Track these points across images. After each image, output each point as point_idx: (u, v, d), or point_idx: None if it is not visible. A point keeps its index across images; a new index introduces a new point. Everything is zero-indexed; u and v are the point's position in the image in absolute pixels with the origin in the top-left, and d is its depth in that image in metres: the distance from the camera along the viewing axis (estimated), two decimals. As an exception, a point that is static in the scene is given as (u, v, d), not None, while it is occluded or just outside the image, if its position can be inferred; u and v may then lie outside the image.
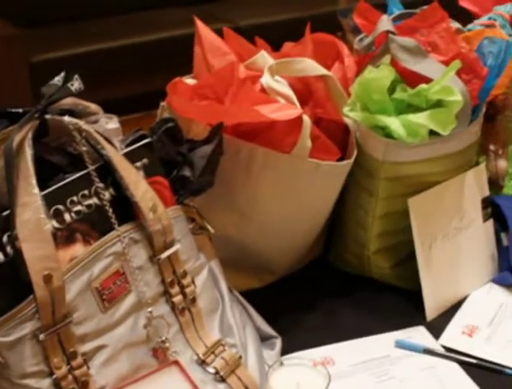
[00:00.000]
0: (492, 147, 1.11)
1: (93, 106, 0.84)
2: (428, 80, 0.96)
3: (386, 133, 0.97)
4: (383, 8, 1.09)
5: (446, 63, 0.97)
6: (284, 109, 0.90)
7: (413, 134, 0.95)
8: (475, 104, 1.01)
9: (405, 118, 0.95)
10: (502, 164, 1.11)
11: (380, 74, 0.94)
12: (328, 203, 1.01)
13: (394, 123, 0.95)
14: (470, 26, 1.17)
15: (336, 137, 1.01)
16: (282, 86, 0.96)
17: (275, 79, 0.97)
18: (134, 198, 0.80)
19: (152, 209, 0.80)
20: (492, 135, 1.11)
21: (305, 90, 0.99)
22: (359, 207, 1.03)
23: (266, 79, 0.95)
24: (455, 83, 0.95)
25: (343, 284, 1.08)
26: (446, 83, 0.94)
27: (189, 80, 1.04)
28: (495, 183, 1.11)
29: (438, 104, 0.95)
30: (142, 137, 0.85)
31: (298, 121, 0.91)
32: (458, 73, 0.99)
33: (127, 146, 0.84)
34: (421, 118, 0.93)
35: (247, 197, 0.95)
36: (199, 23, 1.04)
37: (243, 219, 0.97)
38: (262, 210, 0.97)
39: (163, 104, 0.97)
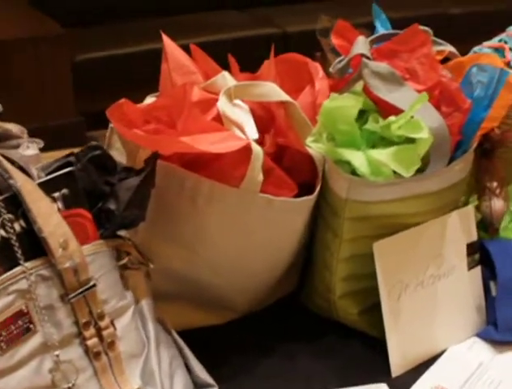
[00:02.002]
0: (488, 185, 0.99)
1: (15, 129, 0.79)
2: (401, 112, 0.86)
3: (353, 168, 0.88)
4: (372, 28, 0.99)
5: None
6: (228, 139, 0.82)
7: (377, 173, 0.85)
8: (459, 140, 0.91)
9: (370, 154, 0.85)
10: (499, 204, 0.99)
11: (344, 103, 0.85)
12: (289, 242, 0.93)
13: (358, 159, 0.85)
14: (476, 48, 1.06)
15: (303, 169, 0.93)
16: (239, 111, 0.88)
17: (233, 104, 0.89)
18: (42, 234, 0.74)
19: (63, 245, 0.74)
20: (489, 172, 0.99)
21: (266, 116, 0.91)
22: (325, 248, 0.94)
23: (220, 104, 0.87)
24: (430, 117, 0.85)
25: (309, 327, 0.99)
26: (417, 117, 0.84)
27: (152, 99, 0.97)
28: (490, 225, 0.99)
29: (410, 139, 0.86)
30: (68, 164, 0.80)
31: (248, 152, 0.84)
32: (438, 105, 0.89)
33: (49, 174, 0.79)
34: (383, 156, 0.83)
35: (193, 230, 0.88)
36: (166, 39, 0.97)
37: (191, 254, 0.90)
38: (210, 245, 0.89)
39: (112, 125, 0.91)
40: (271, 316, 1.01)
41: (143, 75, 2.70)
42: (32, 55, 2.44)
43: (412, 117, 0.84)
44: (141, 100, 0.99)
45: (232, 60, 0.98)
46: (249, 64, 1.03)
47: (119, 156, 0.92)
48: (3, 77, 2.44)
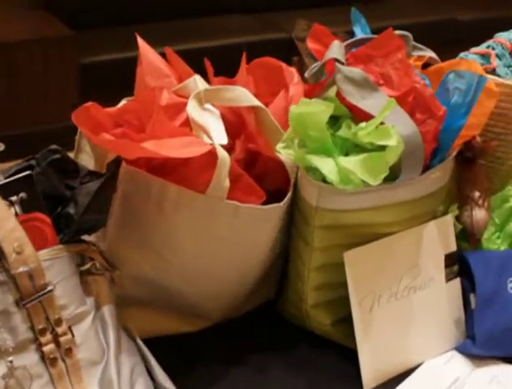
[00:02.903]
0: (470, 195, 0.96)
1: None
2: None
3: (324, 176, 0.86)
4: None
5: (398, 99, 0.85)
6: (192, 144, 0.80)
7: (346, 180, 0.83)
8: (435, 148, 0.88)
9: (339, 161, 0.83)
10: (480, 214, 0.96)
11: (313, 109, 0.83)
12: (260, 249, 0.91)
13: (327, 166, 0.83)
14: (462, 54, 1.03)
15: (276, 176, 0.91)
16: (208, 116, 0.86)
17: (204, 108, 0.87)
18: (-5, 238, 0.73)
19: (17, 250, 0.73)
20: (470, 181, 0.96)
21: (237, 122, 0.89)
22: (297, 256, 0.92)
23: (189, 108, 0.86)
24: (402, 124, 0.83)
25: (284, 336, 0.97)
26: (388, 124, 0.82)
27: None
28: (471, 236, 0.96)
29: (383, 147, 0.83)
30: (29, 168, 0.79)
31: (213, 157, 0.82)
32: (412, 111, 0.86)
33: (8, 177, 0.78)
34: (351, 163, 0.81)
35: (161, 236, 0.86)
36: (141, 42, 0.96)
37: (159, 259, 0.88)
38: (179, 251, 0.87)
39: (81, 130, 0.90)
40: (246, 324, 0.99)
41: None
42: (40, 57, 2.44)
43: (383, 123, 0.82)
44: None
45: (207, 63, 0.96)
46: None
47: (89, 159, 0.91)
48: (11, 78, 2.45)
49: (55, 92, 2.41)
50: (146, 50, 0.96)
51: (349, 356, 0.92)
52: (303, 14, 3.17)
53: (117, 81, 2.76)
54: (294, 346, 0.96)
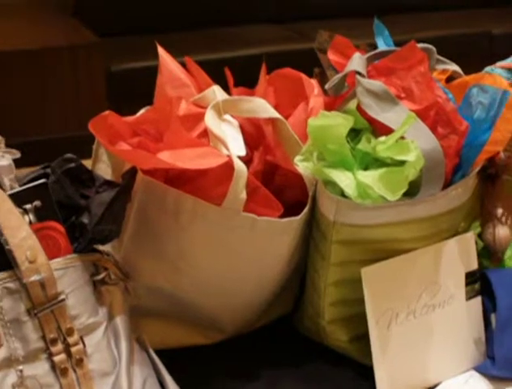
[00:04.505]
0: (493, 212, 0.94)
1: (-10, 139, 0.78)
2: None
3: (342, 190, 0.84)
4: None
5: (420, 113, 0.83)
6: (209, 155, 0.80)
7: (365, 195, 0.82)
8: (457, 164, 0.86)
9: (358, 176, 0.82)
10: (503, 232, 0.94)
11: (332, 122, 0.81)
12: (276, 263, 0.89)
13: (345, 180, 0.82)
14: (488, 68, 1.01)
15: (296, 188, 0.90)
16: (226, 127, 0.85)
17: (222, 119, 0.87)
18: (8, 246, 0.72)
19: (29, 258, 0.73)
20: (493, 198, 0.94)
21: (256, 133, 0.88)
22: (314, 270, 0.90)
23: (206, 118, 0.85)
24: (423, 139, 0.81)
25: (299, 351, 0.95)
26: (409, 138, 0.80)
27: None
28: (493, 254, 0.94)
29: (403, 162, 0.82)
30: (44, 176, 0.78)
31: (230, 169, 0.81)
32: (435, 126, 0.85)
33: (23, 185, 0.78)
34: (369, 178, 0.80)
35: (176, 247, 0.86)
36: (161, 51, 0.96)
37: (174, 271, 0.87)
38: (194, 263, 0.86)
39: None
40: (261, 338, 0.98)
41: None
42: (68, 63, 2.46)
43: (403, 138, 0.81)
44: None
45: (228, 73, 0.95)
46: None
47: (106, 168, 0.91)
48: (39, 84, 2.47)
49: (83, 99, 2.43)
50: (166, 59, 0.95)
51: (365, 373, 0.90)
52: (328, 25, 3.17)
53: (145, 89, 2.78)
54: (309, 361, 0.94)
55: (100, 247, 0.83)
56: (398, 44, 0.96)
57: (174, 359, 0.87)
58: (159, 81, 0.96)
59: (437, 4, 3.70)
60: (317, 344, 0.96)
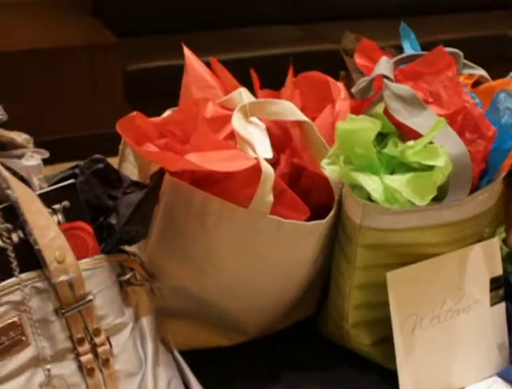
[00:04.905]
0: (518, 217, 0.94)
1: (20, 138, 0.78)
2: (422, 137, 0.83)
3: (369, 194, 0.84)
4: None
5: (447, 118, 0.83)
6: (236, 158, 0.80)
7: (392, 199, 0.81)
8: (484, 169, 0.86)
9: (385, 180, 0.82)
10: (528, 238, 0.94)
11: (360, 126, 0.81)
12: (301, 266, 0.89)
13: (372, 184, 0.82)
14: (513, 73, 1.01)
15: (322, 191, 0.89)
16: (253, 129, 0.85)
17: (249, 121, 0.87)
18: (37, 246, 0.72)
19: (58, 259, 0.73)
20: (519, 204, 0.94)
21: (283, 136, 0.88)
22: (339, 273, 0.90)
23: (234, 121, 0.85)
24: (451, 144, 0.81)
25: (321, 354, 0.95)
26: (437, 143, 0.80)
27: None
28: (518, 260, 0.94)
29: (431, 166, 0.82)
30: (72, 176, 0.79)
31: (257, 171, 0.81)
32: (462, 131, 0.84)
33: (52, 185, 0.78)
34: (397, 182, 0.80)
35: (202, 249, 0.86)
36: (187, 52, 0.96)
37: (199, 272, 0.87)
38: (219, 265, 0.86)
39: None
40: (283, 340, 0.98)
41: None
42: (85, 62, 2.47)
43: (431, 142, 0.81)
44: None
45: (253, 75, 0.95)
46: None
47: (132, 168, 0.91)
48: (57, 82, 2.48)
49: (100, 98, 2.43)
50: (192, 60, 0.95)
51: (388, 377, 0.90)
52: (351, 26, 3.17)
53: (161, 89, 2.79)
54: (331, 364, 0.94)
55: (126, 248, 0.83)
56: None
57: (196, 360, 0.88)
58: (184, 82, 0.96)
59: (451, 6, 3.69)
60: (339, 347, 0.96)
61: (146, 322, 0.82)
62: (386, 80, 0.85)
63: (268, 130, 0.87)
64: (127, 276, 0.81)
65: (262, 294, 0.90)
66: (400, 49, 1.00)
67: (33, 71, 2.46)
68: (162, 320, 0.86)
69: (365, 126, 0.82)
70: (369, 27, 2.60)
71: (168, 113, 0.95)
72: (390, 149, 0.85)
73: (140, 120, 0.86)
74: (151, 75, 2.60)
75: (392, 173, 0.85)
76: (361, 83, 0.89)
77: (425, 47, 0.97)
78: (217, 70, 0.96)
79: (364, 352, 0.93)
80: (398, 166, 0.85)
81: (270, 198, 0.82)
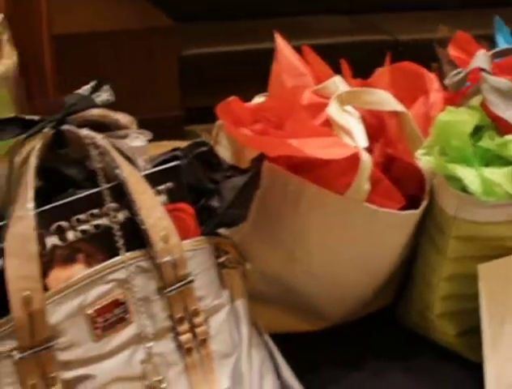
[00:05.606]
0: None
1: (125, 119, 0.79)
2: (520, 131, 0.83)
3: (464, 185, 0.84)
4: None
5: (546, 113, 0.83)
6: (336, 145, 0.80)
7: (489, 192, 0.82)
8: None
9: (483, 172, 0.82)
10: None
11: (459, 118, 0.82)
12: (390, 255, 0.90)
13: (470, 176, 0.82)
14: None
15: (411, 182, 0.90)
16: (349, 118, 0.86)
17: (344, 110, 0.87)
18: (144, 225, 0.74)
19: (164, 239, 0.74)
20: None
21: (377, 125, 0.89)
22: (426, 264, 0.91)
23: (330, 109, 0.85)
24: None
25: (401, 343, 0.96)
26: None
27: (262, 99, 0.97)
28: None
29: (527, 160, 0.82)
30: (175, 158, 0.80)
31: (356, 160, 0.82)
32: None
33: (156, 166, 0.79)
34: (497, 175, 0.80)
35: (294, 235, 0.87)
36: (279, 39, 0.96)
37: (289, 258, 0.88)
38: (310, 251, 0.87)
39: (219, 122, 0.91)
40: (362, 328, 0.98)
41: (246, 74, 2.72)
42: (143, 46, 2.48)
43: (531, 136, 0.81)
44: (243, 99, 0.98)
45: (344, 65, 0.96)
46: (355, 71, 1.00)
47: (225, 152, 0.92)
48: (115, 65, 2.49)
49: (157, 82, 2.45)
50: (283, 47, 0.96)
51: (471, 369, 0.90)
52: (406, 17, 3.15)
53: (215, 74, 2.80)
54: (412, 353, 0.95)
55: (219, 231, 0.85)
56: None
57: (279, 344, 0.89)
58: (274, 69, 0.96)
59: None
60: (418, 336, 0.96)
61: (240, 304, 0.83)
62: (484, 73, 0.85)
63: (362, 119, 0.88)
64: (223, 259, 0.83)
65: (349, 282, 0.91)
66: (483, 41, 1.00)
67: (90, 55, 2.48)
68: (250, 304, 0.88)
69: (464, 119, 0.83)
70: (428, 17, 2.58)
71: (258, 99, 0.96)
72: (486, 142, 0.85)
73: (236, 105, 0.87)
74: (205, 61, 2.61)
75: (486, 165, 0.86)
76: (455, 75, 0.89)
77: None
78: (309, 58, 0.96)
79: (448, 342, 0.93)
80: (493, 159, 0.85)
81: (367, 186, 0.83)
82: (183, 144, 0.83)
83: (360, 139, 0.84)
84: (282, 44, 0.96)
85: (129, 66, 2.49)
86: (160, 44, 2.48)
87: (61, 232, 0.72)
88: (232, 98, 0.87)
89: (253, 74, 2.79)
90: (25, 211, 0.69)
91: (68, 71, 2.13)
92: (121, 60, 2.49)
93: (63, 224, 0.72)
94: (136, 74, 2.49)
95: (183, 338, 0.76)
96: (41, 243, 0.71)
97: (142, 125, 0.85)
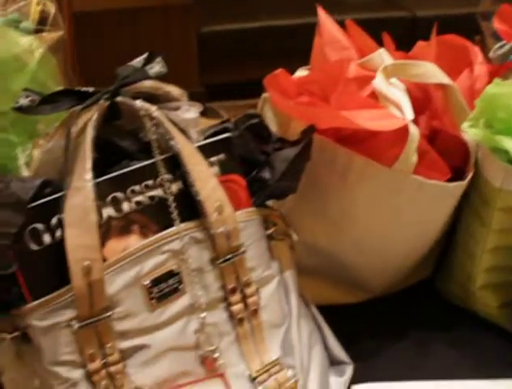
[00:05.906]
0: None
1: (176, 91, 0.79)
2: None
3: (510, 158, 0.85)
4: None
5: None
6: (386, 117, 0.81)
7: (536, 164, 0.82)
8: None
9: (530, 144, 0.82)
10: None
11: (506, 90, 0.82)
12: (435, 227, 0.91)
13: (516, 148, 0.82)
14: None
15: (454, 154, 0.90)
16: (395, 90, 0.86)
17: (389, 82, 0.87)
18: (199, 196, 0.74)
19: (218, 210, 0.75)
20: None
21: (423, 98, 0.89)
22: (469, 236, 0.91)
23: (376, 82, 0.86)
24: None
25: (442, 315, 0.97)
26: None
27: (304, 72, 0.97)
28: None
29: None
30: (225, 130, 0.80)
31: (404, 132, 0.82)
32: None
33: (207, 138, 0.79)
34: (544, 147, 0.80)
35: (341, 207, 0.87)
36: (322, 13, 0.96)
37: (335, 230, 0.89)
38: (356, 223, 0.88)
39: (265, 95, 0.91)
40: (404, 300, 0.99)
41: (265, 51, 2.70)
42: (161, 23, 2.47)
43: None
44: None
45: (387, 38, 0.96)
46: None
47: (270, 125, 0.92)
48: (133, 42, 2.49)
49: (175, 59, 2.43)
50: (326, 21, 0.96)
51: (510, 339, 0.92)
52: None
53: (234, 51, 2.79)
54: (454, 324, 0.96)
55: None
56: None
57: (323, 316, 0.90)
58: (316, 42, 0.97)
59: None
60: (459, 307, 0.97)
61: (289, 275, 0.83)
62: (531, 46, 0.85)
63: (408, 92, 0.88)
64: (271, 230, 0.83)
65: (393, 252, 0.92)
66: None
67: (108, 32, 2.47)
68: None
69: (510, 91, 0.83)
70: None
71: (301, 72, 0.96)
72: (532, 114, 0.85)
73: (283, 77, 0.87)
74: (224, 38, 2.60)
75: (532, 138, 0.86)
76: (500, 47, 0.90)
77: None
78: (353, 32, 0.96)
79: (490, 314, 0.94)
80: (539, 131, 0.86)
81: (415, 158, 0.83)
82: (203, 120, 0.83)
83: (407, 112, 0.85)
84: (324, 18, 0.96)
85: (147, 43, 2.48)
86: (178, 21, 2.47)
87: (116, 203, 0.72)
88: (279, 70, 0.87)
89: (272, 50, 2.78)
90: (83, 181, 0.69)
91: (86, 49, 2.13)
92: (140, 37, 2.49)
93: (118, 195, 0.73)
94: (154, 51, 2.47)
95: (235, 308, 0.77)
96: (99, 214, 0.71)
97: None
